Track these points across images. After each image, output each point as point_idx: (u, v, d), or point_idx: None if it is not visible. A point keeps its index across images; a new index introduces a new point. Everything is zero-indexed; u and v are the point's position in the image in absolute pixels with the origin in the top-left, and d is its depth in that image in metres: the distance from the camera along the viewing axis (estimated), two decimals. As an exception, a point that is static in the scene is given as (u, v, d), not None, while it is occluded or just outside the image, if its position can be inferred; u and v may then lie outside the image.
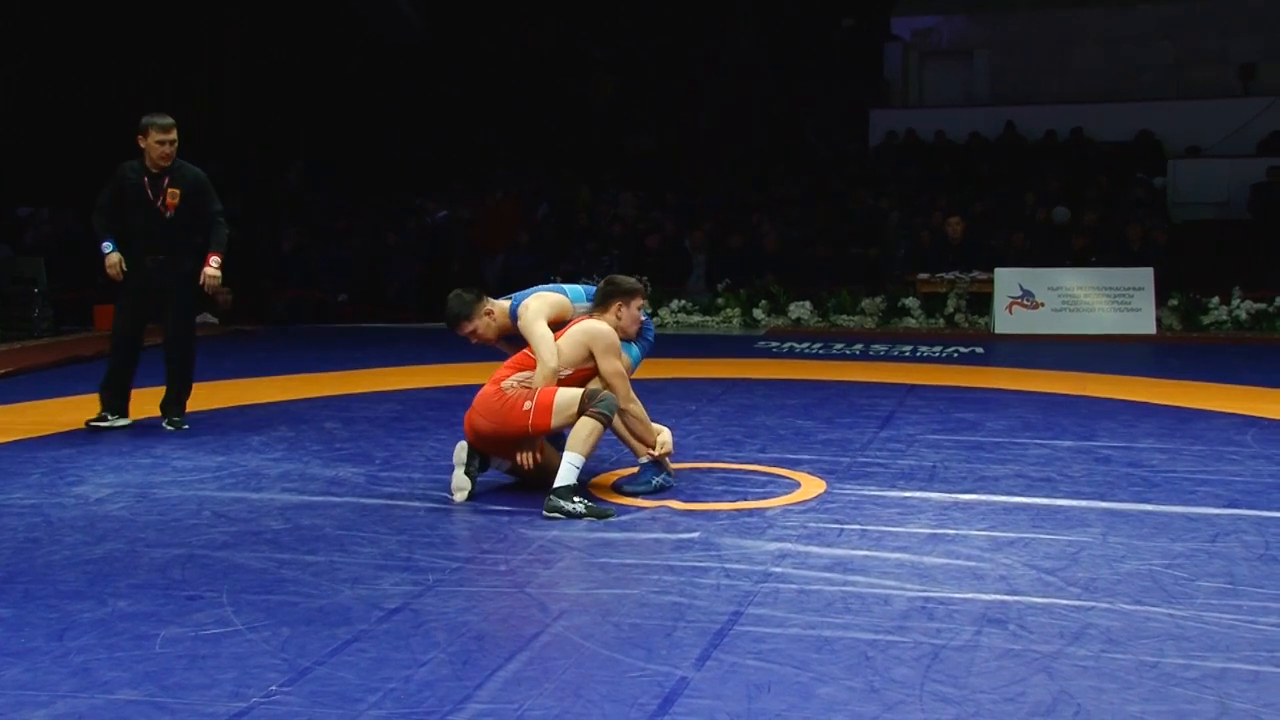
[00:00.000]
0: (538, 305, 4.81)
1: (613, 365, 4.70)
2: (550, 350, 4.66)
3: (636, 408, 4.78)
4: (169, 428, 6.21)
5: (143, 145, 6.18)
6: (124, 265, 6.23)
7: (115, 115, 16.39)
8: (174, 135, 6.14)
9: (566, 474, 4.41)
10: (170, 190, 6.19)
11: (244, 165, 16.76)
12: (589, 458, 4.49)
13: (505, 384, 4.69)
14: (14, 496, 4.79)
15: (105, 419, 6.22)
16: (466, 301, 4.92)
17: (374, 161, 17.36)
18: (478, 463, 4.75)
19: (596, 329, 4.76)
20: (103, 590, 3.59)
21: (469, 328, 4.91)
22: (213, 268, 6.22)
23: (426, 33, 18.74)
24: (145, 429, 6.22)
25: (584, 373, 4.75)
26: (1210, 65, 17.06)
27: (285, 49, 17.95)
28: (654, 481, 4.77)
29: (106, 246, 6.22)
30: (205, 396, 7.27)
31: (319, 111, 17.85)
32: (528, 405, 4.55)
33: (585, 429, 4.44)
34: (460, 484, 4.69)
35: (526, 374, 4.70)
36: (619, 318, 4.84)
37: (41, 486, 4.95)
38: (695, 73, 18.83)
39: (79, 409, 6.86)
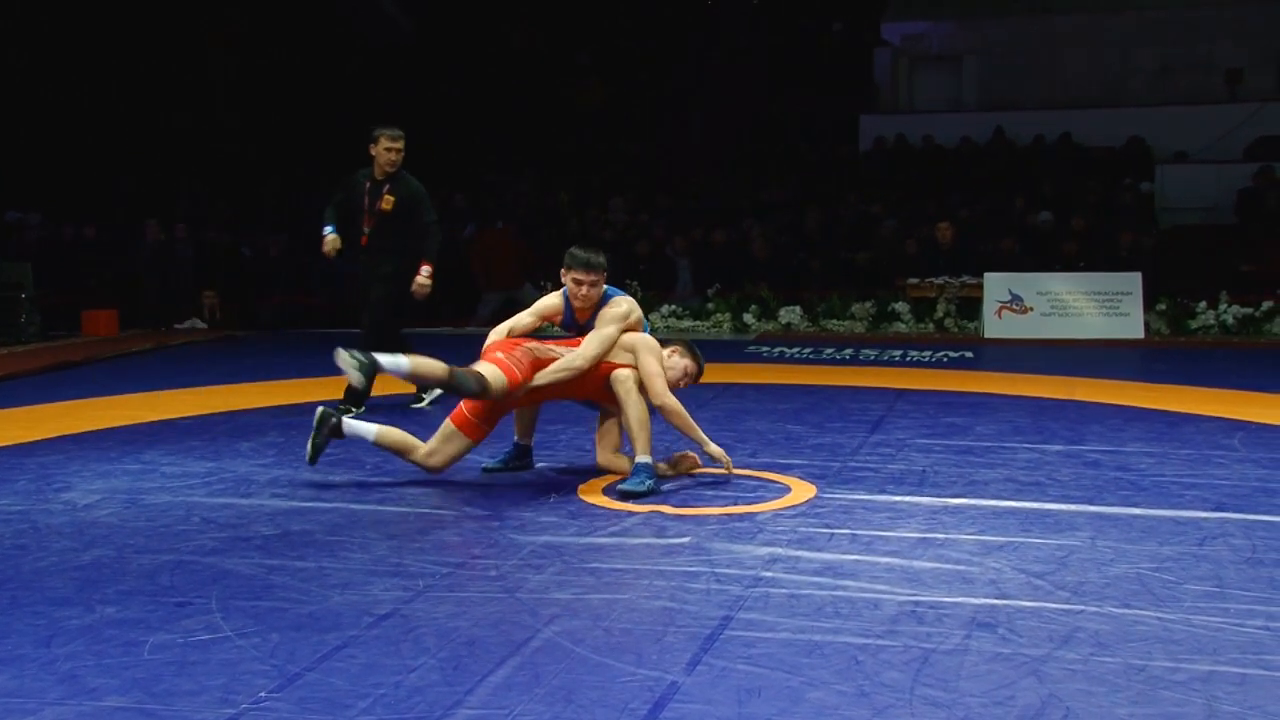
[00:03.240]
0: (629, 310, 5.02)
1: (651, 365, 4.90)
2: (596, 354, 4.88)
3: (673, 403, 4.93)
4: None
5: (372, 153, 6.75)
6: (339, 245, 6.76)
7: (108, 120, 16.39)
8: (401, 145, 6.70)
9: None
10: (386, 197, 6.71)
11: (237, 168, 16.74)
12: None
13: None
14: (1, 503, 4.76)
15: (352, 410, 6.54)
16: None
17: (363, 165, 17.32)
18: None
19: (642, 338, 4.98)
20: (90, 597, 3.58)
21: (600, 278, 5.02)
22: (424, 276, 6.74)
23: (411, 34, 18.72)
24: (134, 434, 6.20)
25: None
26: (1197, 71, 17.16)
27: (274, 51, 17.92)
28: (646, 484, 4.77)
29: (328, 230, 6.78)
30: (194, 402, 7.26)
31: (310, 114, 17.83)
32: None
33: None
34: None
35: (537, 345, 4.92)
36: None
37: (29, 493, 4.93)
38: (686, 77, 18.85)
39: (66, 415, 6.84)
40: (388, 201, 6.73)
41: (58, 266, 12.39)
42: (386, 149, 6.72)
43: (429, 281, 6.78)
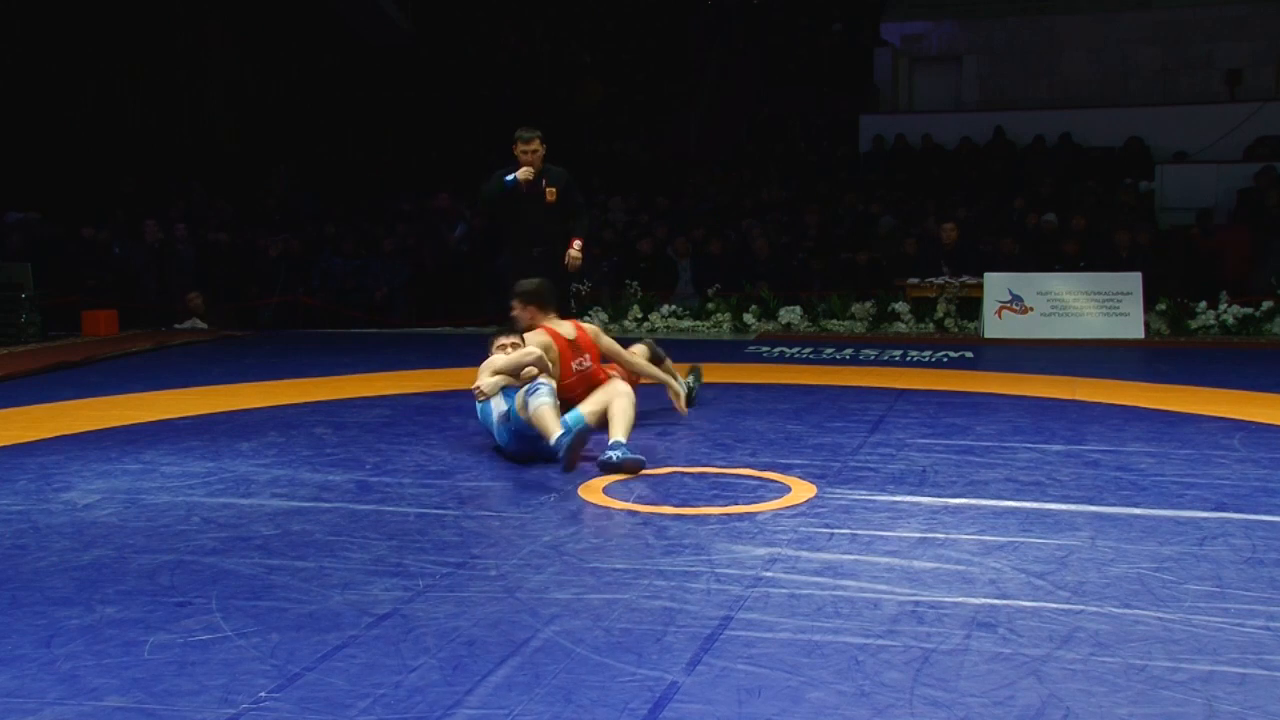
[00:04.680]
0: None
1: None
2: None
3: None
4: None
5: (515, 153, 7.34)
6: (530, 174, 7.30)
7: (108, 121, 16.39)
8: (534, 146, 7.28)
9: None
10: (548, 190, 7.36)
11: (231, 169, 16.74)
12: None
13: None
14: (1, 503, 4.77)
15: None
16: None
17: (362, 166, 17.33)
18: None
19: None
20: (91, 597, 3.58)
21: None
22: (575, 249, 7.33)
23: (410, 35, 18.72)
24: (134, 434, 6.20)
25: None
26: (1197, 71, 17.17)
27: (272, 51, 17.91)
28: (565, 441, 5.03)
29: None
30: (194, 402, 7.26)
31: (306, 116, 17.84)
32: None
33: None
34: None
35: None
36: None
37: (29, 493, 4.93)
38: (684, 78, 18.85)
39: (66, 415, 6.84)
40: (551, 194, 7.35)
41: (58, 266, 12.39)
42: (522, 151, 7.30)
43: (579, 254, 7.37)
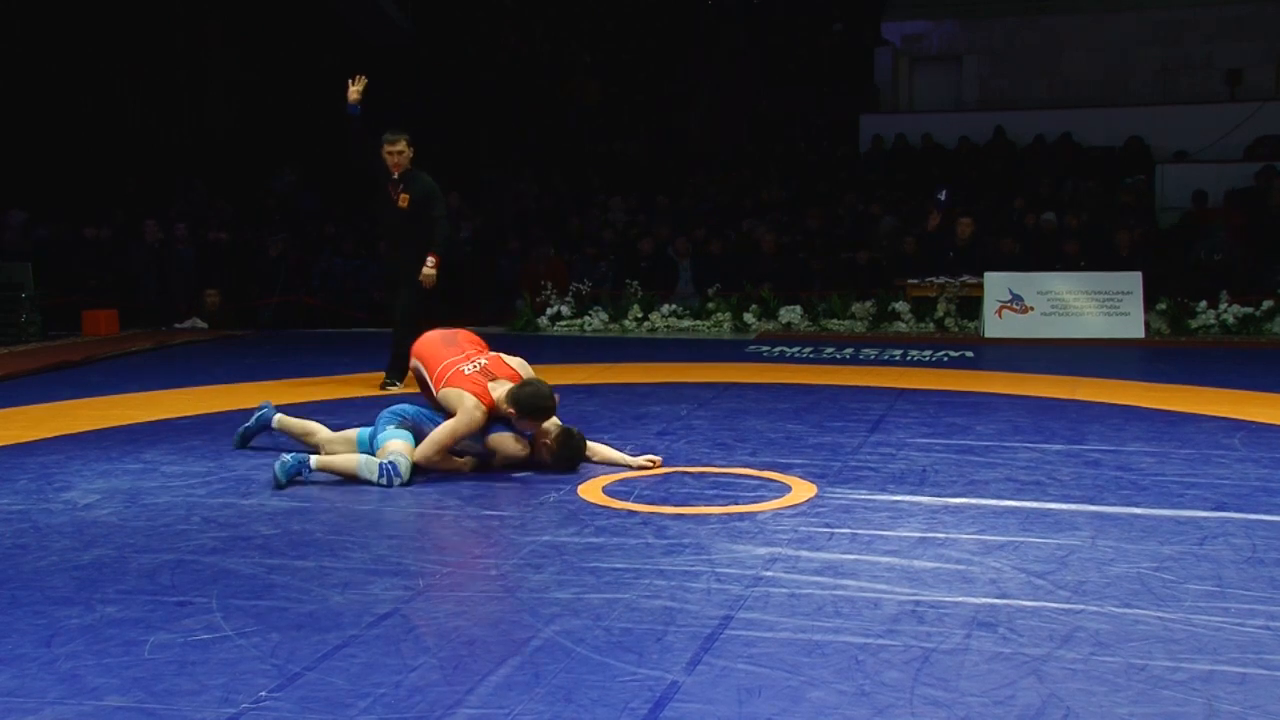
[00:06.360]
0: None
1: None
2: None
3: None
4: (382, 389, 7.43)
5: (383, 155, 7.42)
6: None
7: (109, 121, 16.39)
8: (398, 148, 7.33)
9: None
10: (402, 195, 7.39)
11: (231, 169, 16.73)
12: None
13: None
14: (1, 502, 4.77)
15: (394, 383, 7.49)
16: None
17: (362, 167, 17.29)
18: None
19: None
20: (91, 596, 3.58)
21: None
22: (428, 266, 7.35)
23: (410, 35, 18.71)
24: (135, 433, 6.20)
25: None
26: (1197, 71, 17.18)
27: (272, 51, 17.91)
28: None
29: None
30: (195, 402, 7.26)
31: (306, 116, 17.82)
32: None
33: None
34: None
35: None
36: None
37: (29, 492, 4.93)
38: (684, 77, 18.85)
39: (66, 415, 6.84)
40: (404, 200, 7.35)
41: (58, 266, 12.38)
42: (386, 153, 7.34)
43: (433, 271, 7.34)
